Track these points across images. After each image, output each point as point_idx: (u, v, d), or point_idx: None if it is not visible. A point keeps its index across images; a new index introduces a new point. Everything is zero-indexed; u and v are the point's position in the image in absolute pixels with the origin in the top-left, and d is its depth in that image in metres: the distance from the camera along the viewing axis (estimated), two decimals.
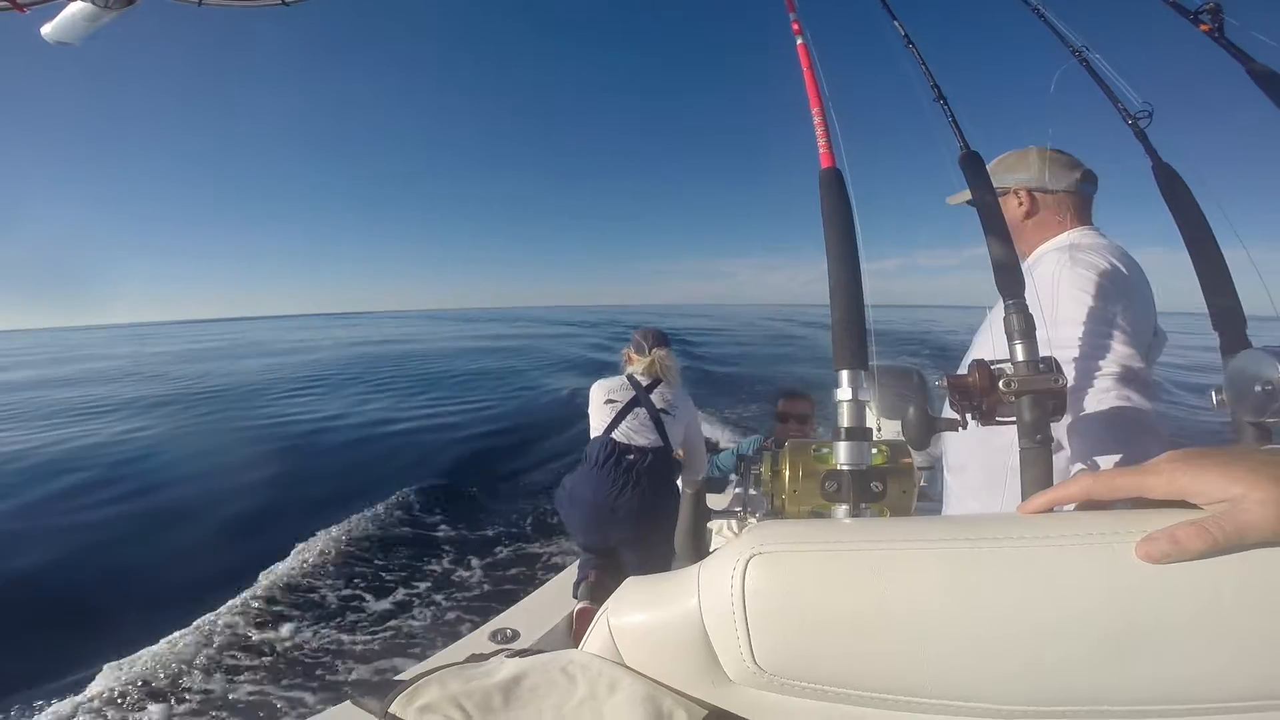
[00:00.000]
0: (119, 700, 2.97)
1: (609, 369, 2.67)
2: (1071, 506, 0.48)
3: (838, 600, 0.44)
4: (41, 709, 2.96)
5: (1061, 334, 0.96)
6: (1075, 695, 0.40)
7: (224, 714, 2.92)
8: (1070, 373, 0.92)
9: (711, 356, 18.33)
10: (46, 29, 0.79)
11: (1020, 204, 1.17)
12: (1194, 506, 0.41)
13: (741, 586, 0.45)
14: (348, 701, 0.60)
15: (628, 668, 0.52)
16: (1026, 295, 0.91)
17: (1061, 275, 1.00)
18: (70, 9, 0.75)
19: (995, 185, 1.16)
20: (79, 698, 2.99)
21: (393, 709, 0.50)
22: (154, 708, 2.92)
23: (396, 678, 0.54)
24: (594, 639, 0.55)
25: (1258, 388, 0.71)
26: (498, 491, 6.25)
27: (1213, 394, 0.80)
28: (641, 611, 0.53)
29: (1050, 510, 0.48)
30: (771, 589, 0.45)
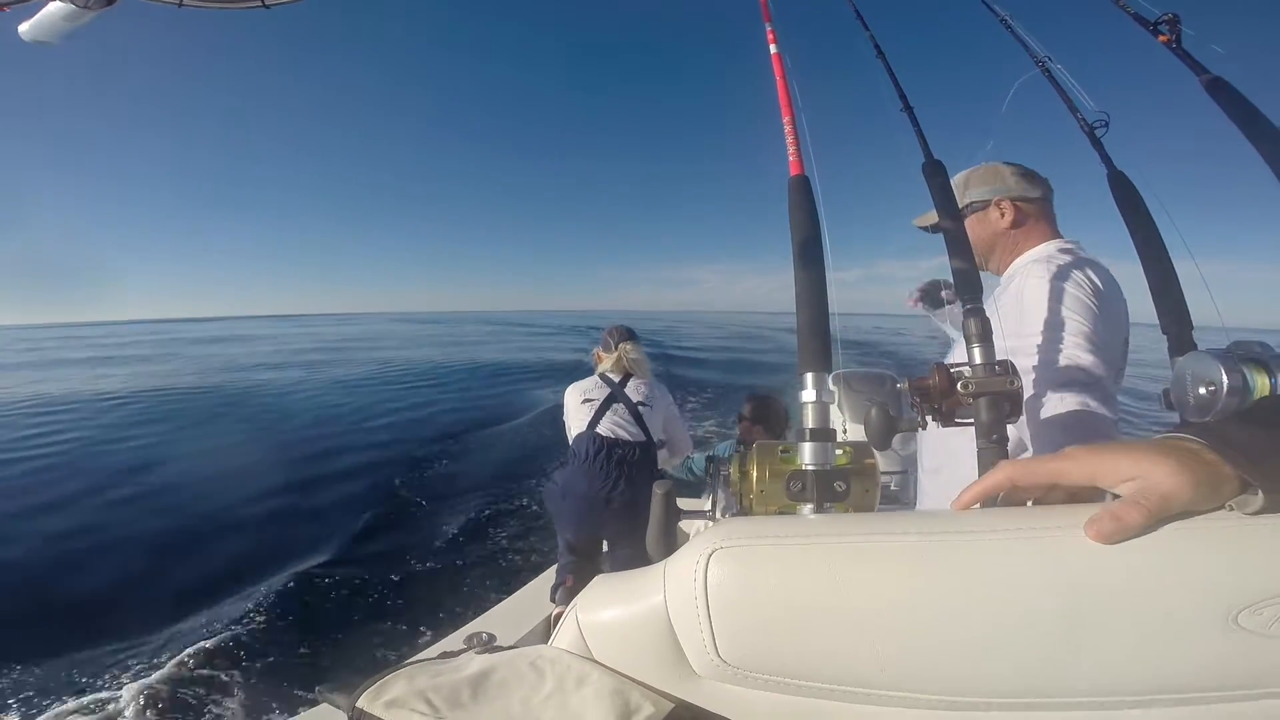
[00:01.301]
0: None
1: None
2: (1000, 496, 0.50)
3: (796, 593, 0.45)
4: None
5: (1033, 342, 1.00)
6: (1027, 686, 0.42)
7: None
8: (1037, 379, 0.96)
9: (683, 361, 18.55)
10: (24, 28, 0.77)
11: (1003, 215, 1.20)
12: (1101, 495, 0.44)
13: (704, 581, 0.46)
14: (323, 705, 0.60)
15: (596, 662, 0.53)
16: (1004, 302, 0.93)
17: (1041, 286, 1.03)
18: (49, 8, 0.73)
19: (973, 199, 1.19)
20: None
21: (360, 703, 0.50)
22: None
23: (371, 678, 0.54)
24: (563, 634, 0.56)
25: (1201, 389, 0.73)
26: (469, 494, 6.20)
27: (1161, 395, 0.83)
28: (610, 607, 0.54)
29: (981, 502, 0.50)
30: (733, 583, 0.46)
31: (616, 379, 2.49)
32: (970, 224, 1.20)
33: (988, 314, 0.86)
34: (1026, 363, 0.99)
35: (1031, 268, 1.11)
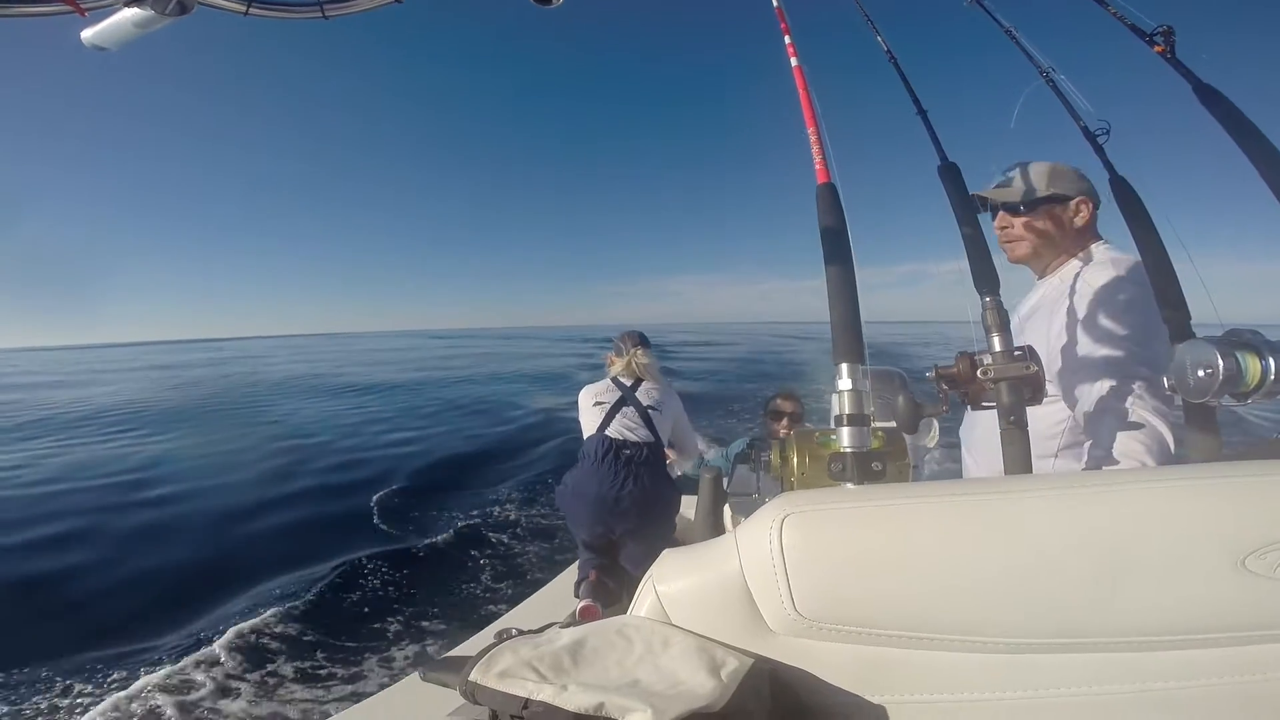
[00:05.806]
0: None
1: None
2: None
3: (863, 551, 0.51)
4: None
5: (1121, 337, 1.05)
6: (1067, 628, 0.48)
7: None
8: (1124, 370, 1.03)
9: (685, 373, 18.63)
10: (87, 33, 0.75)
11: (1080, 213, 1.23)
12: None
13: (780, 543, 0.52)
14: (415, 674, 0.65)
15: (676, 626, 0.58)
16: (1084, 292, 1.01)
17: (1122, 286, 1.10)
18: (122, 14, 0.72)
19: (1055, 191, 1.21)
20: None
21: (473, 677, 0.54)
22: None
23: (449, 655, 0.58)
24: (641, 604, 0.61)
25: (1200, 372, 0.81)
26: (495, 496, 6.30)
27: (1164, 380, 0.90)
28: (686, 576, 0.59)
29: None
30: (806, 543, 0.52)
31: (628, 383, 2.55)
32: (1040, 215, 1.22)
33: (1058, 308, 0.90)
34: (1112, 354, 1.06)
35: (1096, 270, 1.16)
